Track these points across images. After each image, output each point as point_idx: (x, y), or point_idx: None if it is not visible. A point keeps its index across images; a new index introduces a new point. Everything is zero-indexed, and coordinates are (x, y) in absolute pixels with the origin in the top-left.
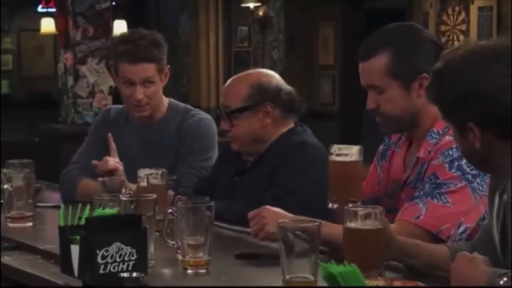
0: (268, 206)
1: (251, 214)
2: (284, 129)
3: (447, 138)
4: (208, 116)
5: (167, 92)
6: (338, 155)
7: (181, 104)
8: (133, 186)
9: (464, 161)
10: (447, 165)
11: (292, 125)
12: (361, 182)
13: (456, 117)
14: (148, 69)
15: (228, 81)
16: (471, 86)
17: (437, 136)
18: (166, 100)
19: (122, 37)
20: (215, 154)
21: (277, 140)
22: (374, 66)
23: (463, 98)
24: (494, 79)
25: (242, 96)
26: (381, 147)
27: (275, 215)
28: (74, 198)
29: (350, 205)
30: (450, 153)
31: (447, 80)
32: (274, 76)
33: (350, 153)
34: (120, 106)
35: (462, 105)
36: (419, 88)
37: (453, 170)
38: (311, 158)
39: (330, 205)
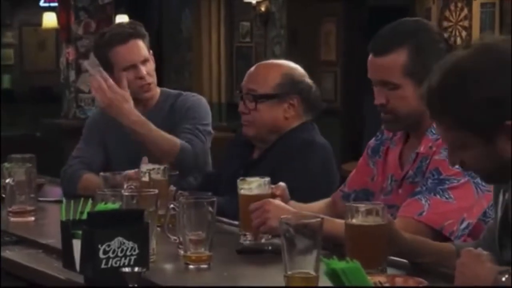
0: (272, 200)
1: (253, 206)
2: (296, 124)
3: None
4: (199, 96)
5: (169, 86)
6: (242, 189)
7: (173, 91)
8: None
9: None
10: None
11: (303, 120)
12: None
13: (487, 121)
14: (141, 45)
15: (256, 67)
16: (503, 84)
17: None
18: (158, 89)
19: (102, 32)
20: (210, 125)
21: (286, 134)
22: (391, 63)
23: (495, 98)
24: None
25: (273, 83)
26: (372, 142)
27: (278, 209)
28: (76, 192)
29: (263, 239)
30: None
31: (473, 84)
32: (304, 72)
33: (251, 187)
34: None
35: (495, 105)
36: None
37: (456, 166)
38: (317, 158)
39: (242, 239)
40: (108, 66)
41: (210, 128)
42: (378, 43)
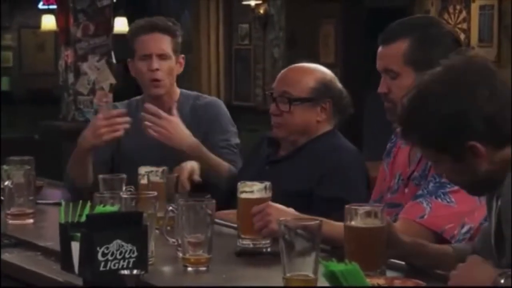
0: (272, 203)
1: (255, 209)
2: (327, 128)
3: None
4: (217, 98)
5: None
6: (242, 192)
7: (191, 92)
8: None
9: None
10: None
11: (332, 124)
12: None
13: (452, 142)
14: (163, 40)
15: (288, 70)
16: (462, 104)
17: None
18: (178, 90)
19: (139, 20)
20: (235, 129)
21: (318, 137)
22: (393, 51)
23: (459, 118)
24: (480, 98)
25: (308, 87)
26: (388, 145)
27: (280, 212)
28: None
29: (263, 242)
30: None
31: (434, 104)
32: (335, 76)
33: (252, 190)
34: (126, 101)
35: (459, 125)
36: None
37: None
38: (351, 164)
39: (240, 242)
40: (131, 53)
41: (237, 134)
42: (385, 33)
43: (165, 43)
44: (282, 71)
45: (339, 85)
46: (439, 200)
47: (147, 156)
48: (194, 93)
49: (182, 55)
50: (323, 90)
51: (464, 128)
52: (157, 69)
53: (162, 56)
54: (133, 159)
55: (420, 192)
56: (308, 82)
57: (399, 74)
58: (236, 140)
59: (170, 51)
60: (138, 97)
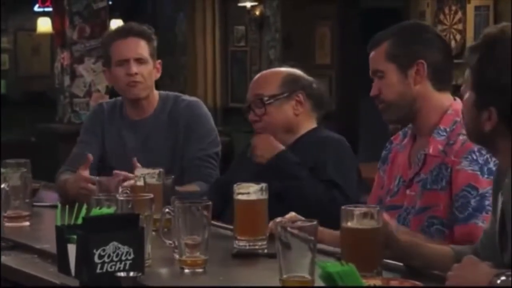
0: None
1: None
2: (312, 126)
3: (461, 138)
4: (197, 99)
5: (164, 90)
6: (239, 194)
7: (171, 93)
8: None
9: (492, 163)
10: (479, 173)
11: (313, 117)
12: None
13: (483, 95)
14: (139, 44)
15: (256, 77)
16: (502, 75)
17: (445, 133)
18: (157, 94)
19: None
20: (215, 135)
21: (307, 133)
22: (378, 53)
23: (495, 83)
24: None
25: (277, 84)
26: (383, 153)
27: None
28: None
29: (259, 243)
30: (474, 157)
31: (486, 56)
32: (303, 73)
33: (248, 191)
34: (112, 100)
35: (493, 88)
36: (416, 75)
37: (486, 176)
38: (348, 154)
39: (236, 243)
40: (107, 60)
41: (218, 141)
42: (371, 41)
43: (141, 47)
44: (251, 81)
45: (309, 78)
46: (490, 213)
47: (126, 157)
48: (173, 94)
49: (159, 60)
50: (292, 82)
51: (497, 95)
52: (136, 73)
53: (140, 60)
54: (112, 160)
55: (466, 212)
56: (277, 79)
57: (385, 72)
58: (215, 149)
59: (147, 55)
60: (120, 98)
